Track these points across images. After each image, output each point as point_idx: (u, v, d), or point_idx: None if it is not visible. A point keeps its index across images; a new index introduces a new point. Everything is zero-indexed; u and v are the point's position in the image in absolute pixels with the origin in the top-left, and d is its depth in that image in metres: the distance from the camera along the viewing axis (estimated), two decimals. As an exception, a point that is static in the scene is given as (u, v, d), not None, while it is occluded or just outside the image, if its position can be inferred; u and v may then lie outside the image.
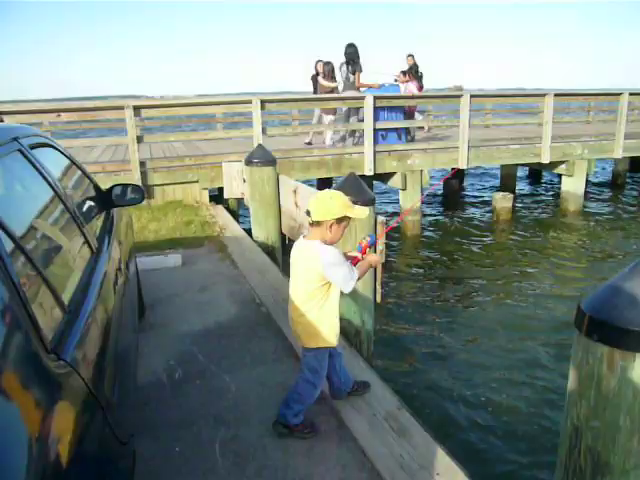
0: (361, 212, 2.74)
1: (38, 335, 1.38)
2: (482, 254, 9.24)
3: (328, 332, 2.81)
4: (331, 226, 2.64)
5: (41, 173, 2.17)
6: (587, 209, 11.98)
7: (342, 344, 4.13)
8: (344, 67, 10.41)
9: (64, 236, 2.18)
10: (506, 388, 5.00)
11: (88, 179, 3.24)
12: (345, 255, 2.81)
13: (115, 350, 2.06)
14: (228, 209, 9.10)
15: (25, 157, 2.10)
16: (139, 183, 8.43)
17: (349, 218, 2.70)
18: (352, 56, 10.30)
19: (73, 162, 3.05)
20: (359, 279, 2.74)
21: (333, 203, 2.65)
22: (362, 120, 9.85)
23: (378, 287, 4.49)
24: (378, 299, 4.53)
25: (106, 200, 3.32)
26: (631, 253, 9.36)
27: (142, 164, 8.60)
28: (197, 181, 8.95)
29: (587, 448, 2.04)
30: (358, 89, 10.49)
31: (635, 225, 11.13)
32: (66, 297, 1.78)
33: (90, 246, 2.42)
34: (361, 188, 4.23)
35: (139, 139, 8.57)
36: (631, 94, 11.70)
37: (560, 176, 12.31)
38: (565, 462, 2.17)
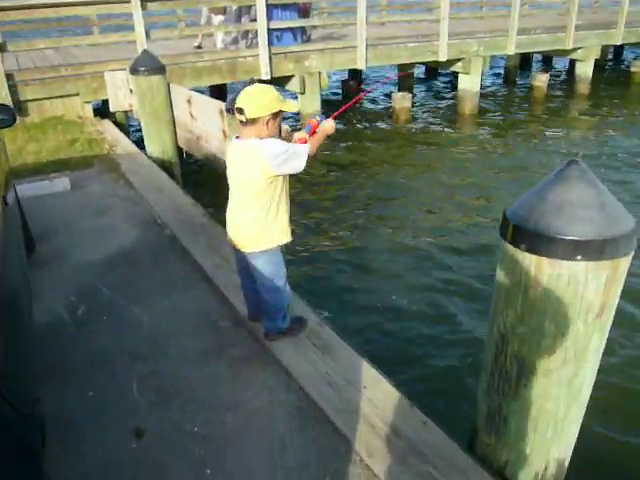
0: (294, 105, 2.68)
1: None
2: (384, 159, 9.20)
3: (281, 228, 2.72)
4: (267, 122, 2.53)
5: None
6: (483, 106, 12.20)
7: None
8: None
9: None
10: (424, 296, 5.04)
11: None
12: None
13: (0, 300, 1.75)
14: (116, 123, 8.37)
15: None
16: (8, 99, 7.49)
17: (282, 112, 2.58)
18: None
19: None
20: (316, 150, 2.73)
21: (268, 97, 2.52)
22: (255, 20, 9.20)
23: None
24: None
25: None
26: (526, 150, 9.73)
27: (9, 77, 7.59)
28: (77, 94, 8.06)
29: (513, 353, 2.05)
30: None
31: (527, 124, 11.50)
32: None
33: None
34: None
35: (2, 47, 7.52)
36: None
37: (455, 75, 12.37)
38: (491, 367, 2.19)
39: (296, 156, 2.56)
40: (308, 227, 6.32)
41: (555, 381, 2.00)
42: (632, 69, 14.84)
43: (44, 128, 7.47)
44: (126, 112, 8.60)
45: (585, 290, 1.81)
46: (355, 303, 4.86)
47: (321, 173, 8.26)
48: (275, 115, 2.54)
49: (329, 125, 2.84)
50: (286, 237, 2.76)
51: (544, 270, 1.83)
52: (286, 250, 2.93)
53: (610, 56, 17.52)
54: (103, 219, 4.78)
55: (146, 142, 6.66)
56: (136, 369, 2.85)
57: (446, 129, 10.96)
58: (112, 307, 3.43)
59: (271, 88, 2.58)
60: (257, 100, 2.50)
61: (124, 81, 7.55)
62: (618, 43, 13.53)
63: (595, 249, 1.74)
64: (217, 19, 10.11)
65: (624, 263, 1.82)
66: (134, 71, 6.35)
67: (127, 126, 9.24)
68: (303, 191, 7.34)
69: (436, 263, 5.62)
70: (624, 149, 9.38)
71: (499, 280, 2.04)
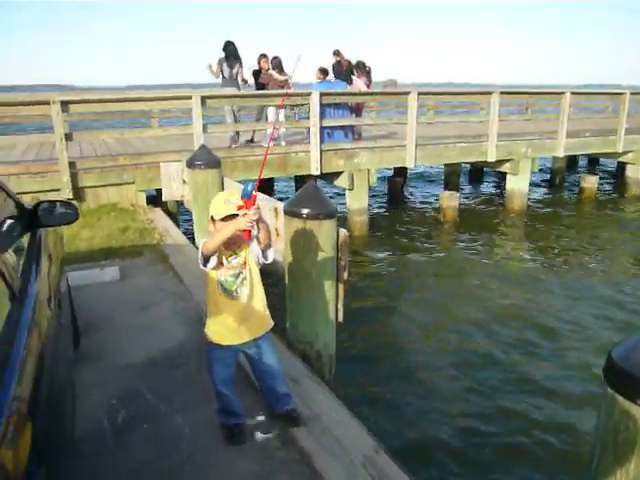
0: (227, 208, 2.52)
1: None
2: (433, 259, 9.06)
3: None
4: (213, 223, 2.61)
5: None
6: (531, 207, 12.08)
7: (303, 371, 3.79)
8: (224, 63, 9.99)
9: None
10: (474, 400, 4.78)
11: (9, 196, 2.72)
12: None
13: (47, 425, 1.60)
14: (167, 212, 8.52)
15: None
16: (69, 185, 7.75)
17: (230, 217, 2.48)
18: (232, 52, 9.96)
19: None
20: (212, 247, 2.52)
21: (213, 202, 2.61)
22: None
23: (340, 306, 4.15)
24: (340, 318, 4.19)
25: (32, 220, 2.81)
26: (578, 250, 9.47)
27: (72, 164, 7.89)
28: (133, 182, 8.31)
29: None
30: (246, 82, 10.41)
31: (577, 223, 11.29)
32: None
33: (11, 289, 1.95)
34: (321, 199, 3.87)
35: (68, 137, 7.86)
36: (573, 93, 11.87)
37: (502, 174, 12.37)
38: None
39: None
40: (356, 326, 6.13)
41: None
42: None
43: (99, 214, 7.64)
44: (178, 202, 8.78)
45: None
46: (405, 415, 4.57)
47: (365, 281, 8.08)
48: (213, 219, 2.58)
49: (237, 223, 2.42)
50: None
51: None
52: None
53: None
54: (149, 314, 4.68)
55: (196, 234, 6.70)
56: (174, 493, 2.62)
57: (494, 230, 10.80)
58: (153, 414, 3.25)
59: (220, 195, 2.64)
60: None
61: (178, 172, 7.75)
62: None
63: None
64: (281, 114, 10.43)
65: None
66: (191, 164, 6.49)
67: (177, 215, 9.41)
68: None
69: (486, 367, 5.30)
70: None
71: (602, 436, 1.74)
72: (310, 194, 3.86)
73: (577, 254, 9.34)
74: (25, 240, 2.68)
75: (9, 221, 2.57)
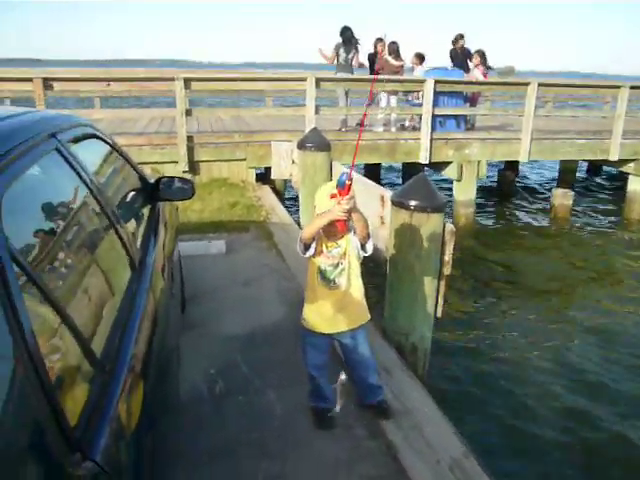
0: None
1: (56, 420, 1.02)
2: (541, 260, 8.62)
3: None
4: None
5: (80, 176, 1.82)
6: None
7: (397, 363, 3.77)
8: (342, 48, 9.87)
9: (99, 258, 1.82)
10: (578, 416, 4.54)
11: (135, 171, 2.89)
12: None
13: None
14: (274, 190, 8.74)
15: (63, 156, 1.75)
16: (184, 158, 8.13)
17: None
18: (349, 37, 9.86)
19: (119, 153, 2.69)
20: (307, 236, 2.57)
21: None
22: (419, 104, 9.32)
23: (440, 300, 4.07)
24: (439, 313, 4.11)
25: (153, 194, 2.98)
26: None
27: (189, 139, 8.27)
28: (244, 159, 8.59)
29: None
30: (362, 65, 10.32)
31: None
32: (97, 347, 1.43)
33: (132, 259, 2.08)
34: (430, 191, 3.80)
35: (188, 112, 8.23)
36: None
37: (622, 174, 11.52)
38: None
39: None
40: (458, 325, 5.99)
41: None
42: None
43: (210, 188, 7.96)
44: (285, 181, 8.97)
45: None
46: (497, 419, 4.43)
47: (467, 279, 7.83)
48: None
49: (334, 211, 2.38)
50: None
51: None
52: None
53: None
54: (252, 289, 4.84)
55: (301, 214, 6.82)
56: (261, 468, 2.70)
57: (611, 233, 10.11)
58: (249, 387, 3.37)
59: (325, 187, 2.61)
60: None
61: (288, 152, 7.88)
62: None
63: None
64: (393, 100, 10.35)
65: None
66: (301, 146, 6.59)
67: (284, 193, 9.61)
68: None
69: (596, 379, 5.00)
70: None
71: None
72: (420, 185, 3.80)
73: None
74: (146, 212, 2.85)
75: (134, 197, 2.74)
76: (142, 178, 2.94)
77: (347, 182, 2.31)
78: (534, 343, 5.79)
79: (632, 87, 10.29)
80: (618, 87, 10.31)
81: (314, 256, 2.65)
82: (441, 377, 4.75)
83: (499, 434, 4.31)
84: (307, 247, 2.61)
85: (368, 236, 2.61)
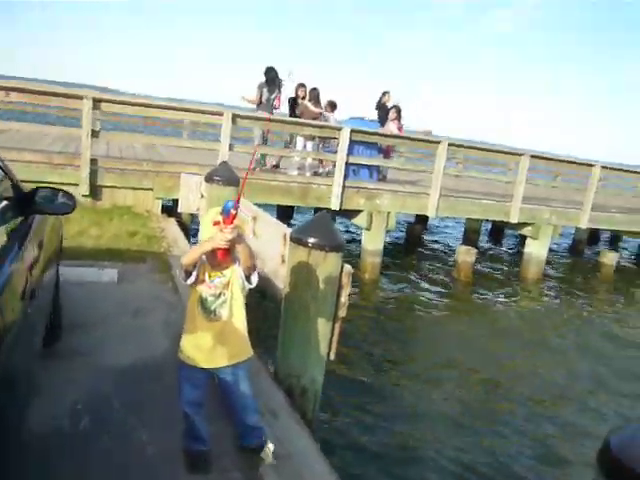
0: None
1: None
2: (438, 314, 8.85)
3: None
4: None
5: None
6: (547, 274, 11.84)
7: (284, 406, 3.61)
8: (265, 88, 10.07)
9: None
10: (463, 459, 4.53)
11: (8, 178, 2.63)
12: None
13: None
14: (180, 223, 8.45)
15: None
16: (87, 181, 7.74)
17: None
18: (272, 78, 10.09)
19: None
20: (187, 262, 2.44)
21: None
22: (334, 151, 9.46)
23: (334, 343, 3.98)
24: (332, 356, 4.01)
25: (26, 205, 2.71)
26: (580, 328, 9.19)
27: (93, 161, 7.89)
28: (151, 189, 8.29)
29: None
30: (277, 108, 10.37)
31: (590, 301, 11.02)
32: None
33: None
34: (330, 230, 3.74)
35: (94, 134, 7.88)
36: (603, 167, 11.75)
37: (522, 237, 12.18)
38: None
39: None
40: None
41: None
42: None
43: (111, 215, 7.59)
44: (192, 215, 8.72)
45: None
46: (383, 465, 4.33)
47: (365, 323, 7.84)
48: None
49: (212, 241, 2.30)
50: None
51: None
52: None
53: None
54: (140, 321, 4.54)
55: (204, 248, 6.59)
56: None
57: (507, 293, 10.58)
58: (119, 425, 3.07)
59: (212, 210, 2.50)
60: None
61: (197, 185, 7.68)
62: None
63: None
64: (309, 145, 10.44)
65: None
66: (209, 179, 6.43)
67: (190, 227, 9.34)
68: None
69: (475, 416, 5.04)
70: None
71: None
72: (320, 224, 3.74)
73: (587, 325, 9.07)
74: (12, 224, 2.57)
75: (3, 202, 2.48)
76: (15, 186, 2.67)
77: (232, 211, 2.20)
78: (425, 389, 5.81)
79: (533, 156, 11.00)
80: (520, 155, 10.97)
81: (195, 284, 2.50)
82: (330, 422, 4.62)
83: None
84: (188, 274, 2.45)
85: (253, 267, 2.51)
